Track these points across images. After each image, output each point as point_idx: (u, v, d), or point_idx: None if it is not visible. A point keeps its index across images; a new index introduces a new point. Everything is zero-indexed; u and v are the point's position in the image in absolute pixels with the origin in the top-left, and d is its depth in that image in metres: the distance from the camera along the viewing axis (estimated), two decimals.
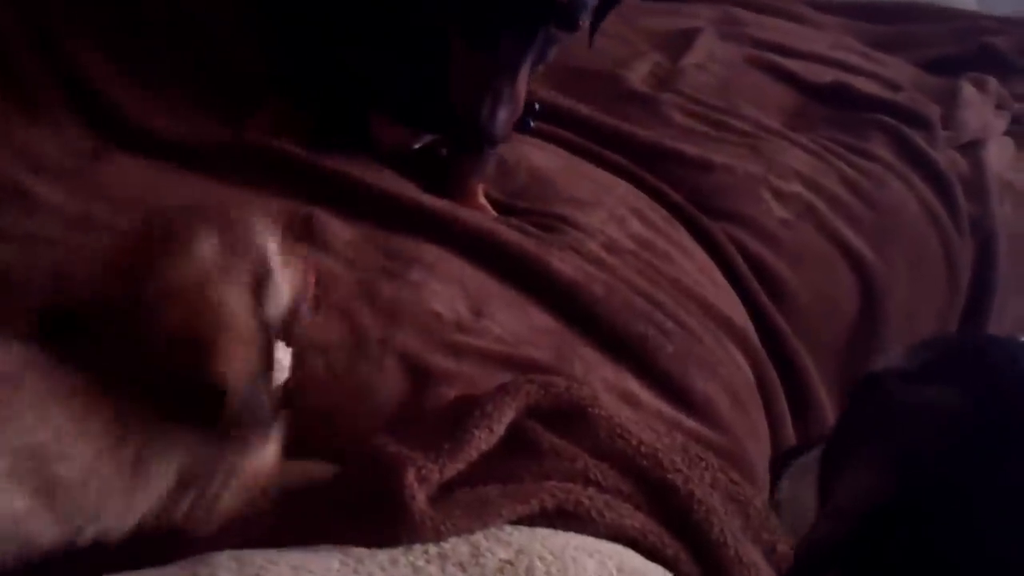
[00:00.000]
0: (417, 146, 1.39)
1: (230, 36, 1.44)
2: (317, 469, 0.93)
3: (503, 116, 1.13)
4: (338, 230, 1.18)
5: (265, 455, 0.88)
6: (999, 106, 1.98)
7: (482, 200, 1.37)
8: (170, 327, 0.80)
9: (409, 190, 1.29)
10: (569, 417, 0.99)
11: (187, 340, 0.80)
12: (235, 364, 0.80)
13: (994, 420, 0.69)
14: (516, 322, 1.16)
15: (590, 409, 0.99)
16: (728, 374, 1.26)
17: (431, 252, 1.20)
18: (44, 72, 1.34)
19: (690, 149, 1.59)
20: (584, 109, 1.64)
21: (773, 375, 1.37)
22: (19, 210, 1.13)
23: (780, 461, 0.91)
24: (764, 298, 1.46)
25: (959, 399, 0.71)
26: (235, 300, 0.83)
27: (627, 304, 1.23)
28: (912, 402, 0.73)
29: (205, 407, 0.80)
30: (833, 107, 1.84)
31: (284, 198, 1.22)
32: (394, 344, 1.05)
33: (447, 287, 1.15)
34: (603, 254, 1.32)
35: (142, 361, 0.80)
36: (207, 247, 0.83)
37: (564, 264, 1.24)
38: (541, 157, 1.48)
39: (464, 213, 1.27)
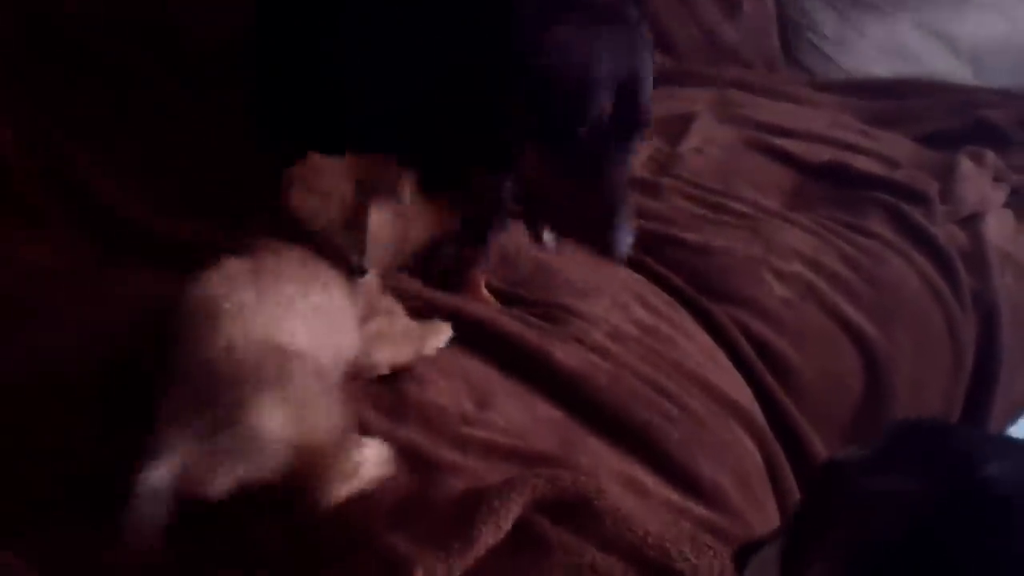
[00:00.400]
0: None
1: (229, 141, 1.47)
2: None
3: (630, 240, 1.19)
4: None
5: None
6: (997, 179, 1.99)
7: (484, 292, 1.39)
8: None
9: (411, 284, 1.30)
10: (576, 509, 1.00)
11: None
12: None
13: (952, 510, 0.69)
14: (521, 414, 1.16)
15: (596, 502, 1.00)
16: (735, 458, 1.26)
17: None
18: (48, 188, 1.36)
19: (690, 234, 1.61)
20: None
21: (781, 455, 1.36)
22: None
23: (740, 555, 0.91)
24: (769, 378, 1.46)
25: (917, 488, 0.71)
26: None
27: (631, 392, 1.23)
28: (871, 492, 0.74)
29: None
30: (831, 186, 1.85)
31: None
32: (396, 436, 1.05)
33: (451, 381, 1.16)
34: (607, 342, 1.32)
35: None
36: None
37: (567, 354, 1.24)
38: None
39: (468, 305, 1.28)
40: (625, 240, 1.17)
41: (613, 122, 1.18)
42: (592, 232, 1.19)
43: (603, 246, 1.18)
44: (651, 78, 1.21)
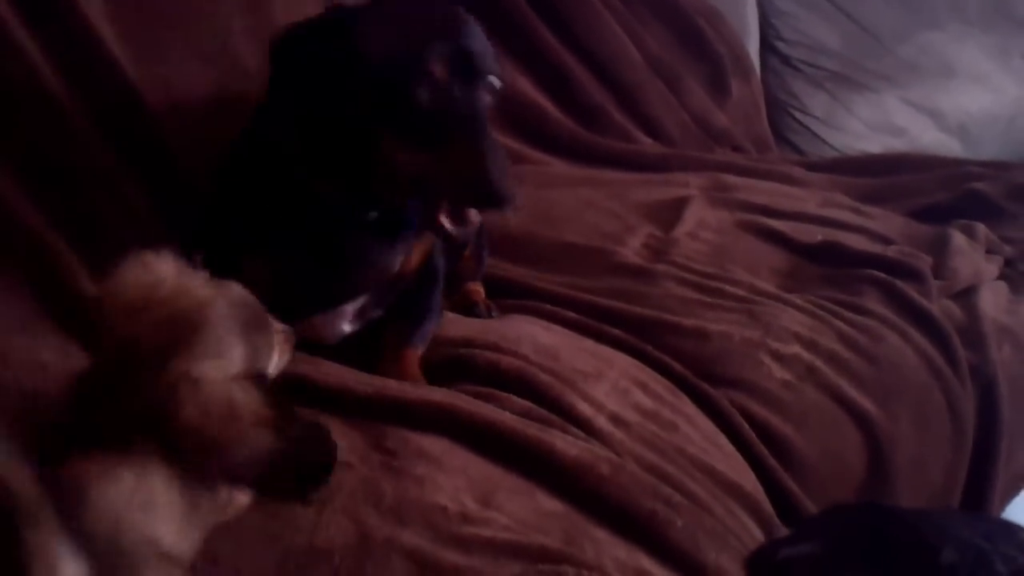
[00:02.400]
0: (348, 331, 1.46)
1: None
2: None
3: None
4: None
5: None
6: (990, 251, 2.01)
7: (416, 369, 1.41)
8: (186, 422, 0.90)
9: (391, 385, 1.31)
10: None
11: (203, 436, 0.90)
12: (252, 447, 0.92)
13: None
14: (523, 509, 1.15)
15: None
16: (740, 543, 1.25)
17: (433, 444, 1.21)
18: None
19: (687, 319, 1.62)
20: (583, 283, 1.68)
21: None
22: None
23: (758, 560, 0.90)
24: (772, 461, 1.46)
25: None
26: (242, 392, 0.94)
27: (634, 481, 1.23)
28: None
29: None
30: (825, 265, 1.86)
31: None
32: (400, 542, 1.05)
33: (452, 479, 1.16)
34: (608, 429, 1.33)
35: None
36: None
37: (568, 445, 1.24)
38: (544, 335, 1.51)
39: (463, 402, 1.28)
40: (507, 187, 1.20)
41: (452, 85, 1.22)
42: (474, 193, 1.21)
43: (490, 200, 1.21)
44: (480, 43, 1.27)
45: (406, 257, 1.44)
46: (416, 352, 1.44)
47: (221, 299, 1.00)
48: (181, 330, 0.95)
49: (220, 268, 1.06)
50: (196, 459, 0.91)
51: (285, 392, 1.05)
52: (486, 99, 1.27)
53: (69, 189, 1.42)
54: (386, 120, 1.25)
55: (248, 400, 0.94)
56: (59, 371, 1.13)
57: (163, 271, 0.99)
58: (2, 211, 1.35)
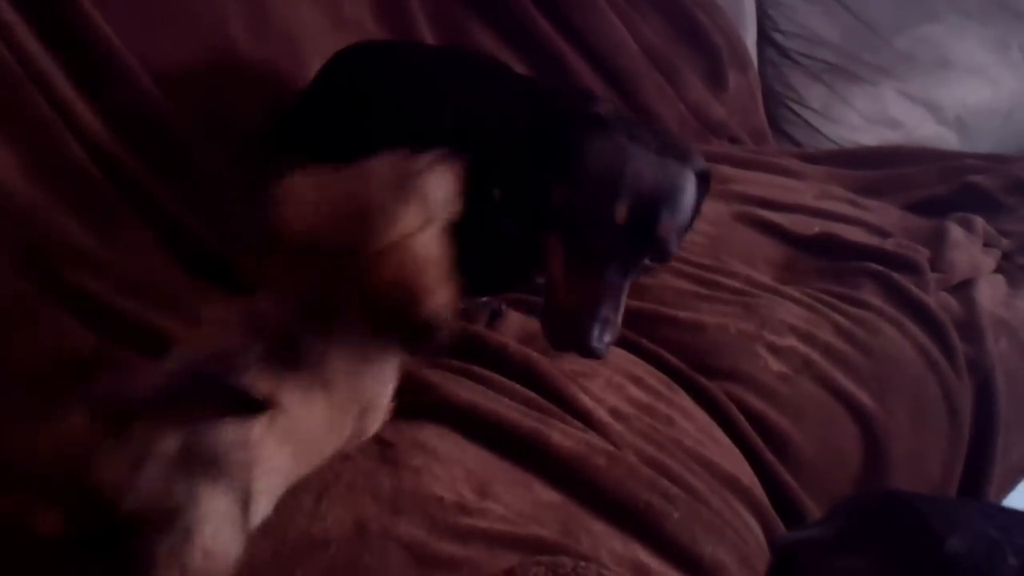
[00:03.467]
0: None
1: None
2: None
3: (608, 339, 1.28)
4: None
5: None
6: (987, 244, 2.00)
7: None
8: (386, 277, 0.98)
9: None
10: None
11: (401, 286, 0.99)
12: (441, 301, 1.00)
13: None
14: (520, 500, 1.16)
15: None
16: (737, 535, 1.26)
17: (430, 435, 1.21)
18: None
19: (682, 312, 1.62)
20: None
21: (782, 531, 1.36)
22: None
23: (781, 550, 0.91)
24: (768, 454, 1.46)
25: (889, 569, 0.72)
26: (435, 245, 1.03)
27: (631, 473, 1.23)
28: (842, 570, 0.74)
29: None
30: (822, 258, 1.86)
31: None
32: (397, 533, 1.06)
33: (449, 470, 1.16)
34: (607, 421, 1.33)
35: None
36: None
37: (564, 436, 1.25)
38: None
39: (462, 392, 1.29)
40: (601, 338, 1.27)
41: (626, 234, 1.29)
42: (572, 325, 1.28)
43: (579, 340, 1.27)
44: (681, 215, 1.34)
45: None
46: None
47: (374, 171, 1.05)
48: (356, 210, 1.01)
49: None
50: (392, 321, 1.01)
51: None
52: (640, 263, 1.33)
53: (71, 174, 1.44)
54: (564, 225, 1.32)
55: (432, 253, 1.02)
56: None
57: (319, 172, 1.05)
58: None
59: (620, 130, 1.34)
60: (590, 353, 1.28)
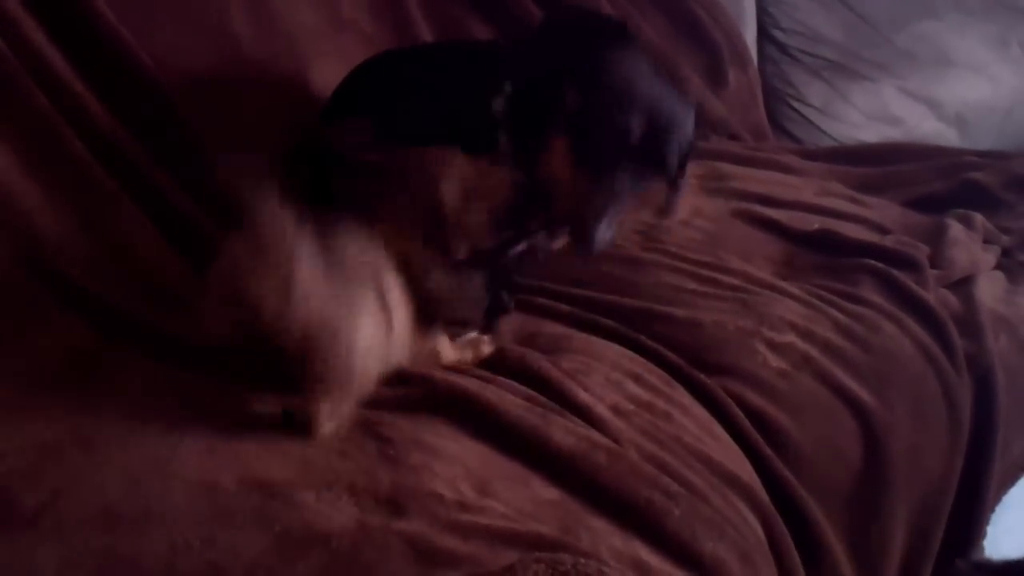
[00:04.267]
0: None
1: None
2: None
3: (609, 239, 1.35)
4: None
5: None
6: (987, 241, 2.00)
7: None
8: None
9: None
10: None
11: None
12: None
13: None
14: (520, 497, 1.16)
15: None
16: (737, 533, 1.25)
17: (430, 432, 1.22)
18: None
19: (679, 309, 1.62)
20: (574, 275, 1.69)
21: (783, 528, 1.36)
22: None
23: None
24: (768, 450, 1.46)
25: None
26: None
27: (631, 470, 1.23)
28: None
29: None
30: (822, 254, 1.86)
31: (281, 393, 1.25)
32: (398, 528, 1.06)
33: (449, 467, 1.16)
34: (607, 417, 1.33)
35: None
36: None
37: (565, 433, 1.25)
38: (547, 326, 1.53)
39: (462, 388, 1.29)
40: (603, 237, 1.33)
41: (636, 148, 1.34)
42: (578, 225, 1.34)
43: (583, 239, 1.33)
44: (685, 143, 1.41)
45: None
46: None
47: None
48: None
49: None
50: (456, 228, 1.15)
51: None
52: (644, 181, 1.39)
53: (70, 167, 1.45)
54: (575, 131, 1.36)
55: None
56: None
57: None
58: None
59: (642, 49, 1.40)
60: (590, 251, 1.34)
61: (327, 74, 1.68)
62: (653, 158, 1.37)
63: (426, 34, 1.99)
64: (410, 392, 1.26)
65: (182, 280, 1.47)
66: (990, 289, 1.87)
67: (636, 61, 1.38)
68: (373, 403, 1.23)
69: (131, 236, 1.49)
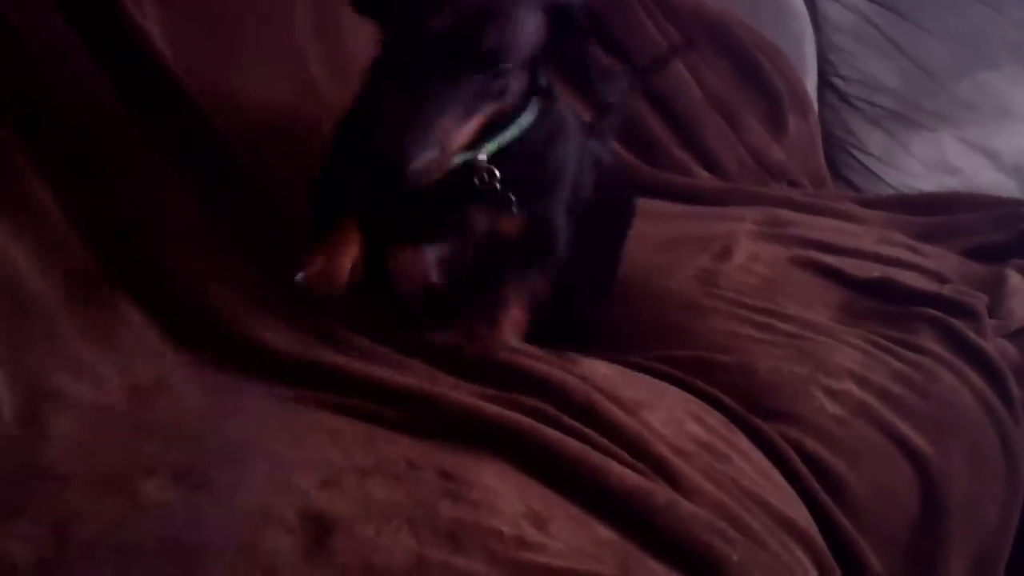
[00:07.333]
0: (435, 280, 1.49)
1: None
2: None
3: (425, 156, 1.23)
4: (384, 446, 1.23)
5: None
6: None
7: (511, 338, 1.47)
8: None
9: (460, 393, 1.34)
10: None
11: None
12: None
13: None
14: (579, 536, 1.16)
15: None
16: None
17: (490, 467, 1.23)
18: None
19: (735, 356, 1.63)
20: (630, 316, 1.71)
21: (839, 575, 1.37)
22: None
23: None
24: (824, 496, 1.46)
25: None
26: None
27: (691, 513, 1.23)
28: None
29: None
30: (880, 302, 1.85)
31: (340, 414, 1.29)
32: (457, 565, 1.07)
33: (508, 503, 1.17)
34: (668, 457, 1.33)
35: None
36: None
37: (625, 474, 1.25)
38: (601, 366, 1.53)
39: (525, 423, 1.29)
40: (421, 157, 1.22)
41: (446, 45, 1.24)
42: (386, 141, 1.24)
43: (389, 151, 1.22)
44: (509, 33, 1.29)
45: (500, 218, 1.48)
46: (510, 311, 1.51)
47: None
48: None
49: None
50: None
51: None
52: (467, 77, 1.28)
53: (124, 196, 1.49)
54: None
55: None
56: None
57: None
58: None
59: None
60: (404, 176, 1.22)
61: None
62: (467, 51, 1.25)
63: None
64: (470, 423, 1.28)
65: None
66: None
67: None
68: (434, 432, 1.26)
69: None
